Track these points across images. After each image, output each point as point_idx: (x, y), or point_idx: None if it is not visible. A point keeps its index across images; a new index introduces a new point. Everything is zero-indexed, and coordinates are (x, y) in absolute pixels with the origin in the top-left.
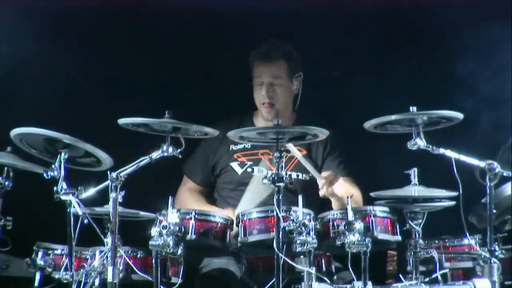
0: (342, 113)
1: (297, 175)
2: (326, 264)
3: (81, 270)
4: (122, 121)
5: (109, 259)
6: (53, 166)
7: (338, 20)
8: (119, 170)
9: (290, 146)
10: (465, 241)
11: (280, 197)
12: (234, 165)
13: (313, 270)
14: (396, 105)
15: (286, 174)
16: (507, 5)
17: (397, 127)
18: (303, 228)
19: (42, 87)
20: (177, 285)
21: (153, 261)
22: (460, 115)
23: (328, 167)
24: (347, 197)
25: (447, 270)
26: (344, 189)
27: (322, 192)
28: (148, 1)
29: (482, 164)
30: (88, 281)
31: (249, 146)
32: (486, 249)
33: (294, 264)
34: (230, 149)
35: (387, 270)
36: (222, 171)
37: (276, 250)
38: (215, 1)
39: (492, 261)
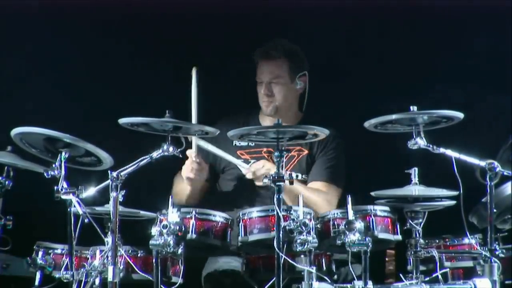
0: (342, 112)
1: (297, 175)
2: (326, 263)
3: (82, 270)
4: (122, 120)
5: (109, 258)
6: (53, 165)
7: (341, 19)
8: (120, 170)
9: (201, 142)
10: (466, 241)
11: (281, 197)
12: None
13: (313, 270)
14: (397, 104)
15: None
16: (507, 5)
17: (398, 126)
18: (303, 228)
19: (42, 86)
20: (177, 285)
21: (154, 260)
22: (460, 115)
23: (315, 166)
24: (347, 196)
25: (447, 270)
26: (305, 193)
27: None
28: (149, 0)
29: (482, 163)
30: (89, 280)
31: (253, 144)
32: (486, 249)
33: (294, 264)
34: (234, 144)
35: (387, 269)
36: (226, 168)
37: (276, 249)
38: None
39: (492, 261)
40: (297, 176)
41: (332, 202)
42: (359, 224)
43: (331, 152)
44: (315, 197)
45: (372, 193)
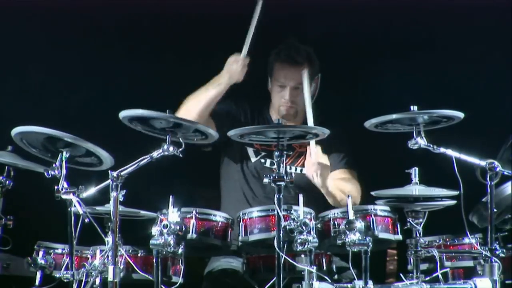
0: (343, 112)
1: (301, 170)
2: (327, 263)
3: (82, 269)
4: (123, 114)
5: (109, 258)
6: (53, 165)
7: (344, 19)
8: (120, 169)
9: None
10: (466, 240)
11: (281, 196)
12: (250, 151)
13: (314, 269)
14: (397, 104)
15: (289, 170)
16: (507, 5)
17: (398, 126)
18: (303, 227)
19: (43, 86)
20: (177, 285)
21: (154, 260)
22: (460, 114)
23: (331, 161)
24: (347, 196)
25: (447, 269)
26: (337, 186)
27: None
28: None
29: (483, 163)
30: (89, 280)
31: None
32: (487, 248)
33: (295, 263)
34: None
35: (388, 269)
36: (234, 146)
37: (277, 249)
38: None
39: (493, 260)
40: (301, 170)
41: (357, 185)
42: (359, 224)
43: (340, 148)
44: (348, 186)
45: (373, 193)
